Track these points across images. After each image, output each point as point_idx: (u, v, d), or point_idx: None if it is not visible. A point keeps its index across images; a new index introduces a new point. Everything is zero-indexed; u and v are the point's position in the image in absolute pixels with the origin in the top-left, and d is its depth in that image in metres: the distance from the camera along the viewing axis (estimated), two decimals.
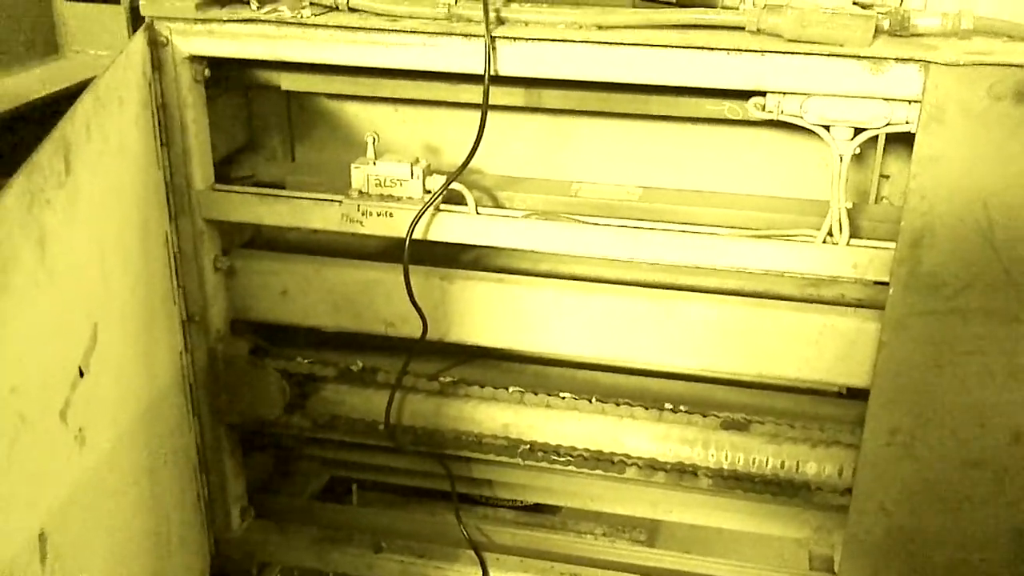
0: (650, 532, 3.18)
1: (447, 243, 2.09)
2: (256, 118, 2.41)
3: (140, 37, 1.91)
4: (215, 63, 2.03)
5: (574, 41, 1.84)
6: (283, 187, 2.27)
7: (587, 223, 2.02)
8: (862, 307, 2.04)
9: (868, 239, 1.93)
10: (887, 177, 2.23)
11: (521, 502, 2.96)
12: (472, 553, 2.34)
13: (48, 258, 1.47)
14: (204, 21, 1.94)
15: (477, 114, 2.06)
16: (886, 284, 1.90)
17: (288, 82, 2.18)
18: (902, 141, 1.89)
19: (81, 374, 1.59)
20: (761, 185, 2.24)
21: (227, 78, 2.14)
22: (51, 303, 1.51)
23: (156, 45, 1.95)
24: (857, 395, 2.13)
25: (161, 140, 2.00)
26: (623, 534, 3.14)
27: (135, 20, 2.07)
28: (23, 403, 1.42)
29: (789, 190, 2.23)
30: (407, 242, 2.01)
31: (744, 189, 2.23)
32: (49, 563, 1.49)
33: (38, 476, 1.49)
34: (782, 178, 2.23)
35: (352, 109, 2.37)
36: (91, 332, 1.64)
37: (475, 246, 2.24)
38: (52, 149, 1.49)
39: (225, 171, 2.24)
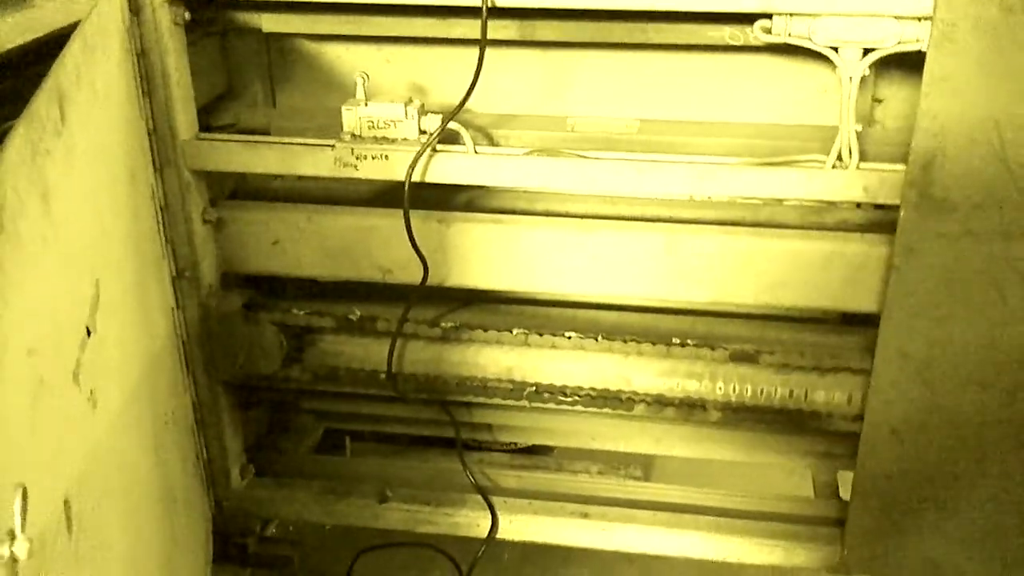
0: (645, 467, 3.19)
1: (440, 186, 2.03)
2: (234, 63, 2.32)
3: None
4: (194, 6, 1.94)
5: None
6: (267, 133, 2.19)
7: (589, 158, 1.97)
8: (869, 232, 2.02)
9: (875, 163, 1.91)
10: (880, 101, 2.20)
11: (515, 444, 2.95)
12: (479, 498, 2.32)
13: (52, 211, 1.40)
14: None
15: (466, 51, 2.00)
16: (892, 208, 1.88)
17: (269, 23, 2.09)
18: (894, 63, 1.85)
19: (88, 333, 1.53)
20: (760, 112, 2.19)
21: (205, 21, 2.05)
22: (58, 259, 1.43)
23: None
24: (861, 321, 2.13)
25: (143, 88, 1.91)
26: (619, 471, 3.15)
27: None
28: (41, 365, 1.35)
29: (787, 116, 2.19)
30: (407, 184, 1.95)
31: (743, 117, 2.19)
32: (74, 532, 1.44)
33: (59, 441, 1.43)
34: (780, 104, 2.19)
35: (334, 51, 2.28)
36: (95, 289, 1.57)
37: (468, 188, 2.19)
38: (47, 97, 1.41)
39: (206, 120, 2.15)
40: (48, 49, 1.65)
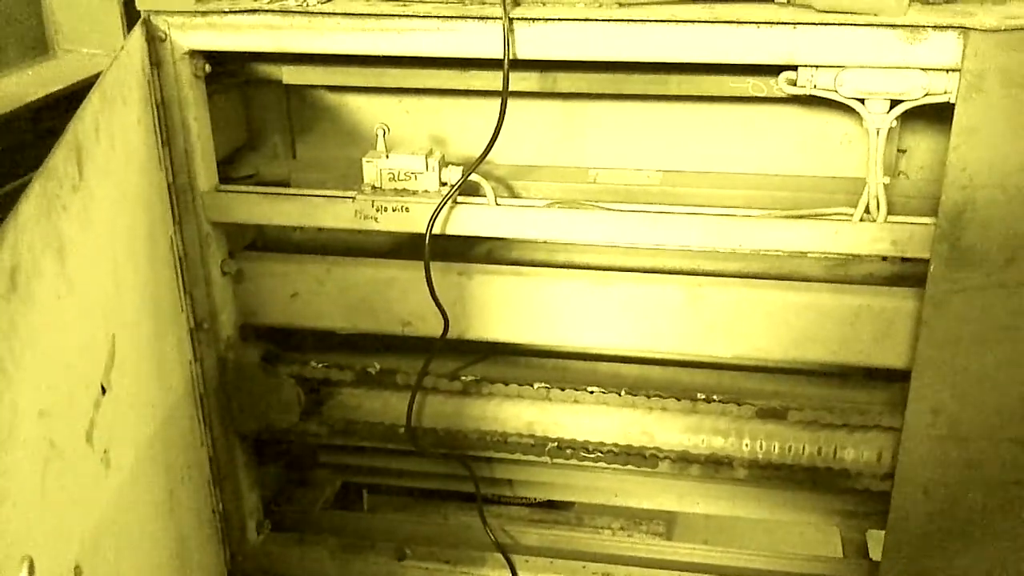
0: (668, 523, 3.13)
1: (460, 238, 2.01)
2: (255, 115, 2.32)
3: (138, 32, 1.81)
4: (214, 58, 1.94)
5: (596, 20, 1.76)
6: (287, 185, 2.19)
7: (611, 210, 1.95)
8: (897, 285, 1.98)
9: (901, 215, 1.87)
10: (903, 152, 2.17)
11: (534, 499, 2.90)
12: (499, 556, 2.27)
13: (68, 268, 1.38)
14: (204, 14, 1.85)
15: (486, 101, 1.99)
16: (919, 260, 1.85)
17: (290, 75, 2.10)
18: (917, 114, 1.83)
19: (103, 391, 1.50)
20: (781, 163, 2.17)
21: (225, 74, 2.05)
22: (73, 316, 1.41)
23: (154, 40, 1.86)
24: (887, 375, 2.08)
25: (162, 140, 1.90)
26: (641, 527, 3.08)
27: (128, 15, 1.97)
28: (53, 427, 1.32)
29: (808, 167, 2.16)
30: (427, 237, 1.92)
31: (764, 168, 2.17)
32: None
33: (71, 506, 1.40)
34: (802, 155, 2.16)
35: (354, 102, 2.28)
36: (110, 345, 1.55)
37: (488, 239, 2.17)
38: (65, 152, 1.40)
39: (226, 171, 2.15)
40: (68, 101, 1.65)
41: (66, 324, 1.41)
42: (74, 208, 1.42)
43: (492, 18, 1.78)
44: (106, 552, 1.51)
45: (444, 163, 1.98)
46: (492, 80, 1.92)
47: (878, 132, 1.79)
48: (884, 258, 2.07)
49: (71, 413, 1.43)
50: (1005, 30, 1.63)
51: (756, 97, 1.94)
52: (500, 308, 2.09)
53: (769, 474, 2.09)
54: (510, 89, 1.84)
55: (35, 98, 1.66)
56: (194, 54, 1.89)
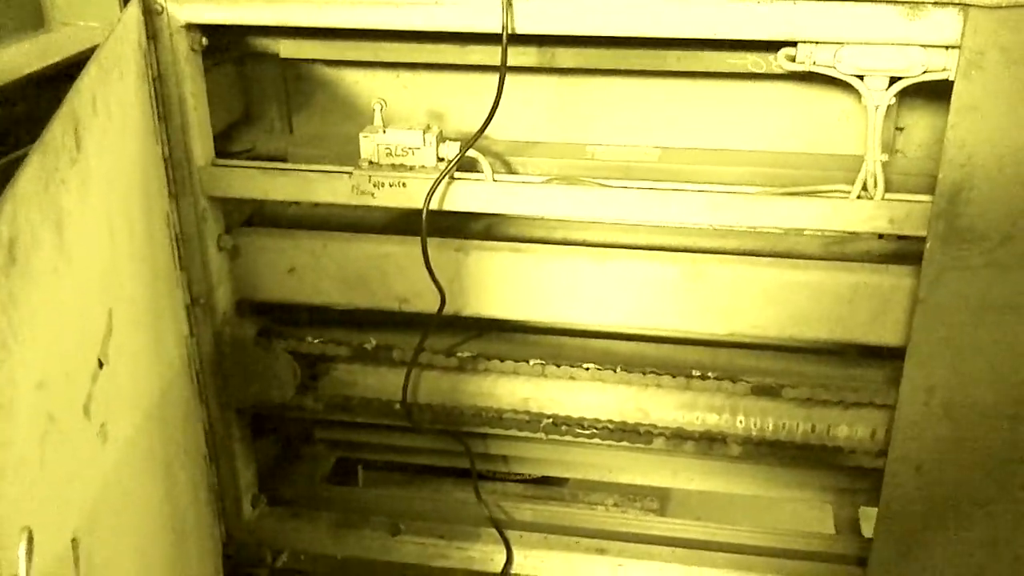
0: (661, 499, 3.15)
1: (457, 214, 2.00)
2: (251, 89, 2.31)
3: (135, 5, 1.80)
4: (211, 32, 1.93)
5: None
6: (284, 160, 2.19)
7: (610, 186, 1.94)
8: (894, 263, 1.98)
9: (898, 193, 1.87)
10: (901, 130, 2.17)
11: (528, 475, 2.91)
12: (493, 531, 2.28)
13: (66, 242, 1.37)
14: None
15: (484, 77, 1.98)
16: (916, 239, 1.85)
17: (287, 49, 2.08)
18: (916, 91, 1.82)
19: (100, 365, 1.50)
20: (779, 140, 2.17)
21: (222, 47, 2.04)
22: (70, 290, 1.41)
23: (150, 13, 1.84)
24: (882, 353, 2.09)
25: (159, 114, 1.89)
26: (635, 503, 3.11)
27: None
28: (51, 400, 1.32)
29: (807, 144, 2.16)
30: (424, 212, 1.92)
31: (762, 144, 2.16)
32: (82, 570, 1.40)
33: (68, 479, 1.40)
34: (800, 132, 2.16)
35: (351, 76, 2.27)
36: (107, 319, 1.54)
37: (485, 216, 2.16)
38: (62, 125, 1.39)
39: (223, 146, 2.14)
40: (64, 74, 1.64)
41: (64, 297, 1.40)
42: (72, 181, 1.42)
43: None
44: (103, 525, 1.51)
45: (442, 139, 1.97)
46: (490, 55, 1.91)
47: (877, 109, 1.78)
48: (881, 236, 2.07)
49: (69, 386, 1.43)
50: (1006, 7, 1.62)
51: (755, 73, 1.93)
52: (497, 284, 2.09)
53: (763, 451, 2.10)
54: (508, 64, 1.84)
55: (31, 70, 1.64)
56: (191, 27, 1.88)
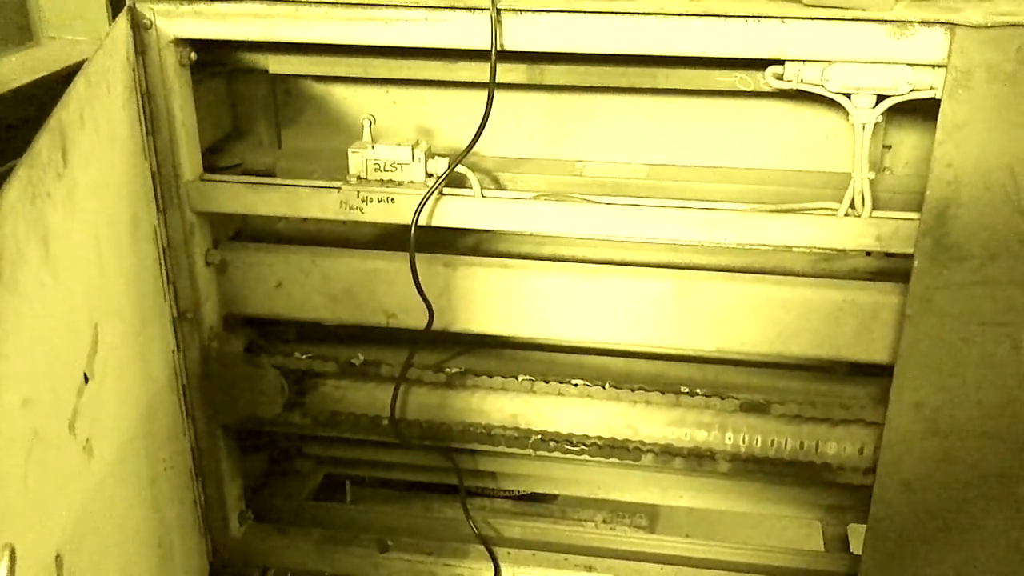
0: (650, 516, 3.15)
1: (445, 229, 2.00)
2: (240, 104, 2.30)
3: (123, 19, 1.80)
4: (200, 47, 1.93)
5: (583, 12, 1.76)
6: (273, 175, 2.18)
7: (598, 203, 1.94)
8: (881, 281, 1.99)
9: (886, 210, 1.88)
10: (888, 148, 2.18)
11: (517, 491, 2.90)
12: (482, 548, 2.27)
13: (52, 257, 1.37)
14: (190, 1, 1.83)
15: (473, 93, 1.99)
16: (903, 256, 1.85)
17: (276, 64, 2.08)
18: (903, 110, 1.83)
19: (86, 380, 1.49)
20: (766, 157, 2.17)
21: (211, 62, 2.04)
22: (56, 305, 1.40)
23: (139, 28, 1.84)
24: (871, 370, 2.09)
25: (147, 129, 1.89)
26: (624, 520, 3.10)
27: (114, 3, 1.95)
28: (36, 416, 1.31)
29: (794, 161, 2.16)
30: (413, 228, 1.92)
31: (750, 162, 2.17)
32: None
33: (52, 496, 1.39)
34: (787, 149, 2.17)
35: (340, 92, 2.27)
36: (93, 334, 1.54)
37: (474, 231, 2.16)
38: (50, 139, 1.38)
39: (211, 160, 2.14)
40: (52, 88, 1.63)
41: (50, 313, 1.39)
42: (58, 196, 1.41)
43: (480, 9, 1.77)
44: (88, 541, 1.50)
45: (430, 154, 1.98)
46: (479, 71, 1.91)
47: (864, 127, 1.79)
48: (868, 253, 2.08)
49: (54, 402, 1.42)
50: (992, 26, 1.64)
51: (743, 91, 1.94)
52: (485, 300, 2.09)
53: (751, 468, 2.09)
54: (497, 81, 1.84)
55: (19, 84, 1.63)
56: (180, 42, 1.88)
